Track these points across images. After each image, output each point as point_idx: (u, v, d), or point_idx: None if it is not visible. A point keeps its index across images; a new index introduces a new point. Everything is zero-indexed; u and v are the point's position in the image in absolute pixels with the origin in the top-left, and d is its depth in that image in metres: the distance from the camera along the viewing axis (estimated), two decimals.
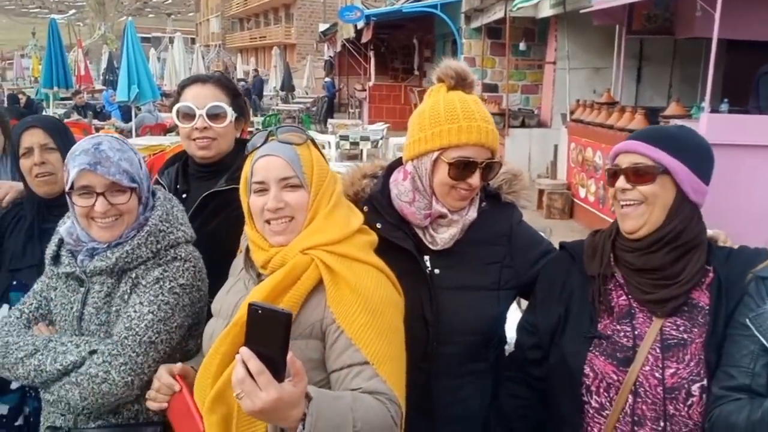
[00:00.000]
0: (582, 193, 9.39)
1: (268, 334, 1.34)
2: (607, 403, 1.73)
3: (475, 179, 1.86)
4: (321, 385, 1.61)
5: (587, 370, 1.75)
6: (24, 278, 2.35)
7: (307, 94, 29.32)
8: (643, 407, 1.69)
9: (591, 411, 1.77)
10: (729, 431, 1.54)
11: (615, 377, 1.72)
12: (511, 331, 2.10)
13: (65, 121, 11.97)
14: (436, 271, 1.94)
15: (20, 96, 17.81)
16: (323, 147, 12.57)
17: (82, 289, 1.94)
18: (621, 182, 1.74)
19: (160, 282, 1.90)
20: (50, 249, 2.03)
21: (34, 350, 1.88)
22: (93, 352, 1.84)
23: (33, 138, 2.36)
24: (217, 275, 2.02)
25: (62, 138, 2.39)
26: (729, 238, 1.86)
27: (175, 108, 2.44)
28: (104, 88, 22.94)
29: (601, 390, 1.74)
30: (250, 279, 1.77)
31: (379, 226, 1.92)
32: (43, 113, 14.87)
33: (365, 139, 13.03)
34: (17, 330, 1.97)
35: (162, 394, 1.76)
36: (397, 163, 2.07)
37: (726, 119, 6.84)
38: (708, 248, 1.76)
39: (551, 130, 11.86)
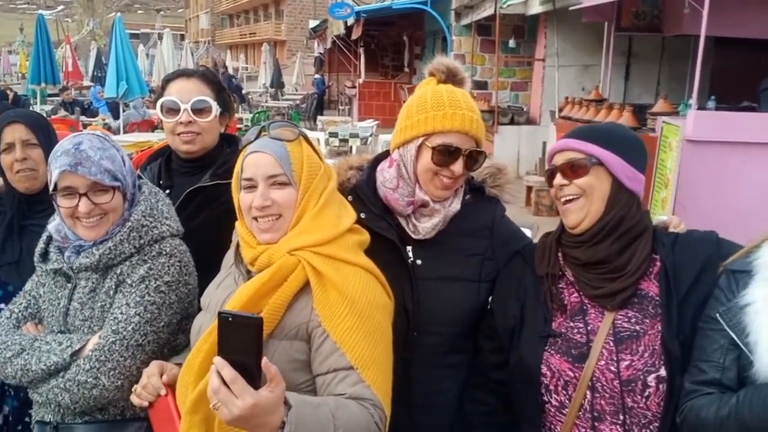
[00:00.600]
0: None
1: (240, 341, 1.33)
2: (567, 401, 1.74)
3: (457, 167, 1.87)
4: (306, 386, 1.61)
5: (544, 369, 1.77)
6: (3, 275, 2.33)
7: (296, 90, 29.22)
8: (602, 402, 1.70)
9: (552, 410, 1.78)
10: (699, 426, 1.56)
11: (572, 374, 1.73)
12: None
13: (52, 117, 11.94)
14: (418, 261, 1.95)
15: (8, 92, 17.69)
16: None
17: (69, 285, 1.94)
18: (558, 179, 1.79)
19: (146, 281, 1.89)
20: (39, 246, 2.03)
21: (21, 350, 1.88)
22: (76, 354, 1.83)
23: (15, 133, 2.33)
24: (203, 270, 2.02)
25: (44, 134, 2.36)
26: (683, 223, 1.90)
27: (159, 102, 2.42)
28: (92, 84, 22.81)
29: (560, 388, 1.75)
30: (240, 275, 1.76)
31: (363, 215, 1.92)
32: (30, 109, 14.77)
33: (355, 136, 13.01)
34: (7, 330, 1.97)
35: (147, 392, 1.76)
36: (384, 155, 2.08)
37: (713, 116, 6.87)
38: (654, 236, 1.79)
39: (540, 127, 11.90)
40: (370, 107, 21.54)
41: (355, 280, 1.64)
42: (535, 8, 11.42)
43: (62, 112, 14.80)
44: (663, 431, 1.67)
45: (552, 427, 1.79)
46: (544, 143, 11.06)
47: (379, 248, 1.88)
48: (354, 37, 20.52)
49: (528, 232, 2.25)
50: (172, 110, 2.38)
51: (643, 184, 1.82)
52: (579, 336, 1.75)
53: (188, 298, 2.00)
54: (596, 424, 1.71)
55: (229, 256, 1.88)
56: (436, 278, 1.94)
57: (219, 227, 2.12)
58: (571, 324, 1.78)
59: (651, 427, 1.68)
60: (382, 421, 1.54)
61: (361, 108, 21.65)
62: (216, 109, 2.41)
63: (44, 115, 6.30)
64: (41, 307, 2.01)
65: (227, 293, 1.72)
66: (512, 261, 1.98)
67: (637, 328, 1.71)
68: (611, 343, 1.71)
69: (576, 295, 1.81)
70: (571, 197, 1.77)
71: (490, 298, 2.00)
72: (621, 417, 1.69)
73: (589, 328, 1.75)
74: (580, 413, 1.72)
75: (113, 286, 1.90)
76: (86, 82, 25.12)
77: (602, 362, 1.70)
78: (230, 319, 1.34)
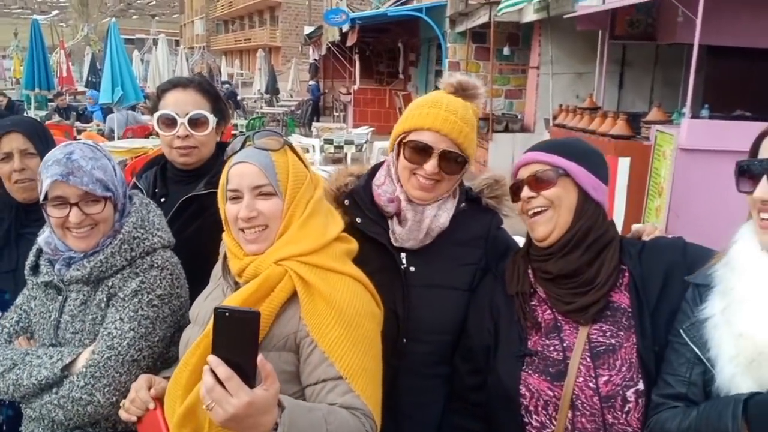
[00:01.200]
0: None
1: (237, 337, 1.32)
2: (547, 421, 1.71)
3: (430, 166, 1.86)
4: (295, 398, 1.59)
5: (523, 389, 1.74)
6: (0, 283, 2.32)
7: (291, 97, 29.25)
8: (583, 420, 1.67)
9: (533, 431, 1.74)
10: None
11: (551, 393, 1.70)
12: None
13: (47, 123, 11.91)
14: (412, 268, 1.95)
15: (0, 98, 17.60)
16: (307, 151, 12.53)
17: (60, 298, 1.92)
18: (526, 192, 1.79)
19: (139, 295, 1.87)
20: (29, 259, 2.01)
21: (12, 365, 1.86)
22: (67, 368, 1.81)
23: (13, 143, 2.32)
24: (196, 280, 2.01)
25: (42, 142, 2.34)
26: (658, 230, 1.90)
27: (155, 115, 2.40)
28: (86, 89, 22.75)
29: (540, 408, 1.72)
30: (228, 286, 1.74)
31: (358, 220, 1.94)
32: (24, 114, 14.73)
33: (350, 142, 13.00)
34: None
35: (135, 407, 1.74)
36: (383, 163, 2.08)
37: (706, 125, 6.90)
38: (621, 247, 1.79)
39: (535, 135, 11.93)
40: (365, 114, 21.57)
41: (342, 289, 1.63)
42: (530, 16, 11.48)
43: (56, 118, 14.75)
44: None
45: None
46: None
47: (374, 253, 1.90)
48: (349, 43, 20.55)
49: (521, 241, 2.26)
50: (169, 123, 2.36)
51: (607, 195, 1.84)
52: (555, 353, 1.73)
53: (180, 311, 1.99)
54: None
55: (218, 268, 1.86)
56: (428, 286, 1.94)
57: (213, 235, 2.12)
58: (547, 341, 1.76)
59: None
60: (373, 430, 1.54)
61: (356, 114, 21.67)
62: (213, 121, 2.40)
63: (39, 120, 6.28)
64: (34, 320, 1.99)
65: (215, 305, 1.71)
66: (484, 278, 1.97)
67: (613, 341, 1.70)
68: (588, 359, 1.69)
69: (549, 311, 1.79)
70: (539, 209, 1.78)
71: None
72: None
73: (564, 344, 1.73)
74: None
75: (104, 299, 1.88)
76: (80, 87, 25.08)
77: (580, 379, 1.68)
78: (227, 314, 1.32)
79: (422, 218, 1.94)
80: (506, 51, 13.31)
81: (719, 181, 6.59)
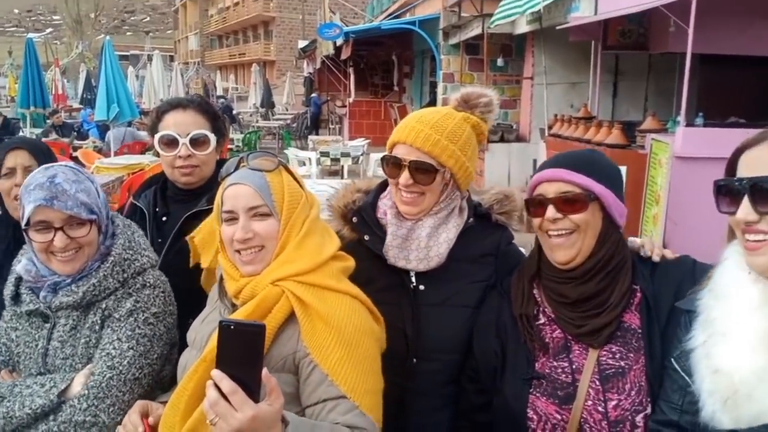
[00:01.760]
0: None
1: (241, 350, 1.31)
2: None
3: (403, 178, 1.86)
4: None
5: (531, 413, 1.70)
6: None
7: (287, 110, 29.32)
8: None
9: None
10: None
11: (559, 417, 1.66)
12: None
13: (44, 140, 11.88)
14: (421, 286, 1.92)
15: None
16: (303, 164, 12.52)
17: (47, 325, 1.89)
18: (551, 212, 1.69)
19: (134, 314, 1.87)
20: (8, 289, 1.96)
21: (0, 398, 1.81)
22: (62, 393, 1.78)
23: (17, 159, 2.34)
24: (198, 299, 2.00)
25: (47, 161, 2.33)
26: (657, 247, 1.83)
27: (156, 136, 2.40)
28: (81, 106, 22.78)
29: (547, 431, 1.68)
30: (225, 308, 1.74)
31: (366, 238, 1.93)
32: (20, 133, 14.72)
33: (346, 155, 13.02)
34: None
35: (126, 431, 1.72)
36: None
37: (702, 132, 6.94)
38: (633, 266, 1.73)
39: (530, 145, 11.98)
40: (361, 126, 21.62)
41: (339, 307, 1.62)
42: (522, 28, 11.56)
43: (54, 135, 14.75)
44: None
45: None
46: (535, 161, 11.12)
47: (381, 272, 1.89)
48: (343, 57, 20.65)
49: (525, 252, 2.24)
50: (170, 143, 2.37)
51: (625, 217, 1.78)
52: (564, 376, 1.69)
53: (174, 328, 1.99)
54: None
55: (214, 291, 1.85)
56: (438, 304, 1.91)
57: None
58: (555, 363, 1.71)
59: None
60: None
61: (351, 127, 21.73)
62: (213, 140, 2.42)
63: (35, 138, 6.31)
64: (16, 351, 1.94)
65: (212, 327, 1.68)
66: (489, 296, 1.91)
67: (622, 363, 1.65)
68: (597, 382, 1.65)
69: (559, 331, 1.74)
70: (563, 232, 1.70)
71: None
72: None
73: (574, 366, 1.68)
74: None
75: (98, 321, 1.87)
76: (75, 104, 25.11)
77: (589, 402, 1.64)
78: (232, 327, 1.31)
79: (409, 236, 1.92)
80: (500, 62, 13.39)
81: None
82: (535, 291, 1.81)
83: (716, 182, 1.44)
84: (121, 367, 1.81)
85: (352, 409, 1.52)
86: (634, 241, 1.85)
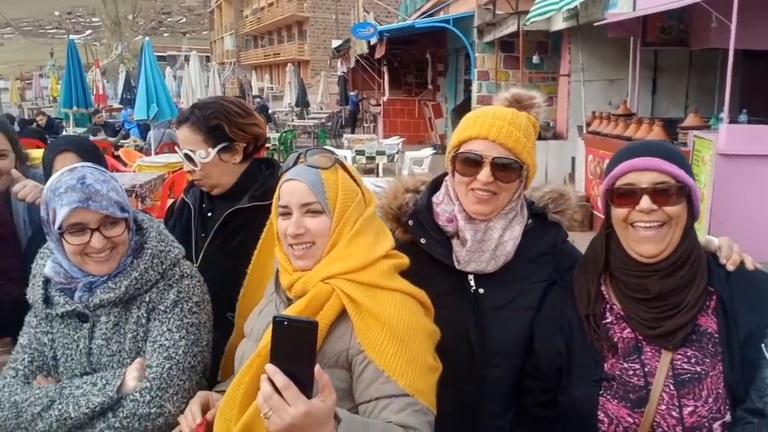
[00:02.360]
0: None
1: (295, 346, 1.33)
2: None
3: (483, 175, 1.80)
4: None
5: (601, 415, 1.66)
6: None
7: (321, 109, 29.51)
8: None
9: None
10: None
11: (631, 420, 1.63)
12: None
13: (91, 139, 12.15)
14: (481, 290, 1.88)
15: (39, 117, 18.06)
16: None
17: (86, 325, 1.90)
18: (646, 203, 1.62)
19: (179, 305, 1.91)
20: (37, 292, 1.95)
21: (50, 402, 1.81)
22: (120, 389, 1.80)
23: (66, 161, 2.39)
24: (235, 293, 2.06)
25: (94, 161, 2.39)
26: (733, 249, 1.76)
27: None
28: (121, 106, 23.22)
29: None
30: (280, 301, 1.76)
31: (423, 241, 1.91)
32: (63, 132, 15.09)
33: (381, 153, 13.05)
34: (21, 387, 1.87)
35: (186, 422, 1.78)
36: (442, 177, 2.05)
37: (746, 129, 6.82)
38: (708, 266, 1.69)
39: (568, 142, 11.86)
40: (395, 124, 21.65)
41: (390, 305, 1.62)
42: (559, 24, 11.44)
43: (102, 135, 15.03)
44: None
45: None
46: (573, 158, 11.04)
47: (439, 276, 1.86)
48: (377, 56, 20.67)
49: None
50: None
51: None
52: (636, 379, 1.64)
53: (211, 317, 2.03)
54: None
55: (271, 284, 1.88)
56: (501, 307, 1.88)
57: (255, 248, 2.15)
58: (626, 365, 1.67)
59: None
60: None
61: (386, 125, 21.75)
62: (203, 155, 2.37)
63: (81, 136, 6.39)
64: (56, 354, 1.93)
65: (267, 320, 1.69)
66: (551, 292, 1.87)
67: (698, 369, 1.60)
68: (671, 386, 1.61)
69: (629, 330, 1.69)
70: (655, 224, 1.63)
71: None
72: None
73: (646, 369, 1.64)
74: None
75: (144, 315, 1.89)
76: (114, 104, 25.59)
77: (663, 407, 1.60)
78: (285, 323, 1.33)
79: (484, 238, 1.87)
80: (536, 59, 13.26)
81: (760, 186, 6.56)
82: (603, 288, 1.76)
83: None
84: (177, 357, 1.85)
85: (405, 408, 1.52)
86: (711, 241, 1.79)
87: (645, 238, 1.65)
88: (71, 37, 16.02)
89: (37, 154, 4.37)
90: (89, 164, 1.99)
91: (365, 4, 25.19)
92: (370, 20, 21.42)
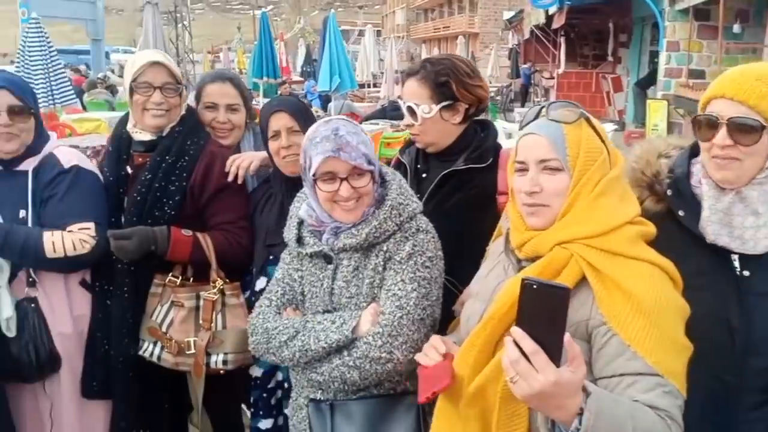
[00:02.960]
0: None
1: (543, 312, 1.26)
2: None
3: (719, 138, 1.64)
4: None
5: None
6: (279, 253, 2.47)
7: (491, 83, 29.13)
8: None
9: None
10: None
11: None
12: None
13: None
14: (746, 272, 1.69)
15: None
16: (510, 136, 12.46)
17: (331, 266, 2.01)
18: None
19: (414, 257, 1.95)
20: (292, 232, 2.10)
21: (295, 332, 1.97)
22: (353, 330, 1.89)
23: (280, 121, 2.50)
24: (452, 252, 2.08)
25: (305, 120, 2.48)
26: None
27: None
28: (302, 79, 24.41)
29: None
30: (509, 263, 1.70)
31: (681, 213, 1.77)
32: (253, 103, 16.11)
33: None
34: (272, 316, 2.06)
35: (431, 355, 1.71)
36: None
37: None
38: None
39: None
40: (569, 98, 20.37)
41: (636, 275, 1.49)
42: None
43: None
44: None
45: None
46: None
47: (696, 253, 1.71)
48: (555, 26, 19.95)
49: None
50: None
51: None
52: None
53: (443, 273, 2.05)
54: None
55: (499, 244, 1.82)
56: None
57: (471, 210, 2.19)
58: None
59: None
60: None
61: (559, 99, 21.03)
62: (425, 111, 2.39)
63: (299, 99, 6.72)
64: (303, 290, 2.08)
65: (497, 282, 1.69)
66: None
67: None
68: None
69: None
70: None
71: None
72: None
73: None
74: None
75: (381, 263, 1.96)
76: (295, 77, 26.97)
77: None
78: (534, 287, 1.26)
79: (731, 211, 1.70)
80: (736, 28, 12.14)
81: None
82: None
83: None
84: (408, 307, 1.90)
85: (653, 388, 1.39)
86: None
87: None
88: (263, 10, 16.78)
89: None
90: (343, 117, 2.11)
91: None
92: None
